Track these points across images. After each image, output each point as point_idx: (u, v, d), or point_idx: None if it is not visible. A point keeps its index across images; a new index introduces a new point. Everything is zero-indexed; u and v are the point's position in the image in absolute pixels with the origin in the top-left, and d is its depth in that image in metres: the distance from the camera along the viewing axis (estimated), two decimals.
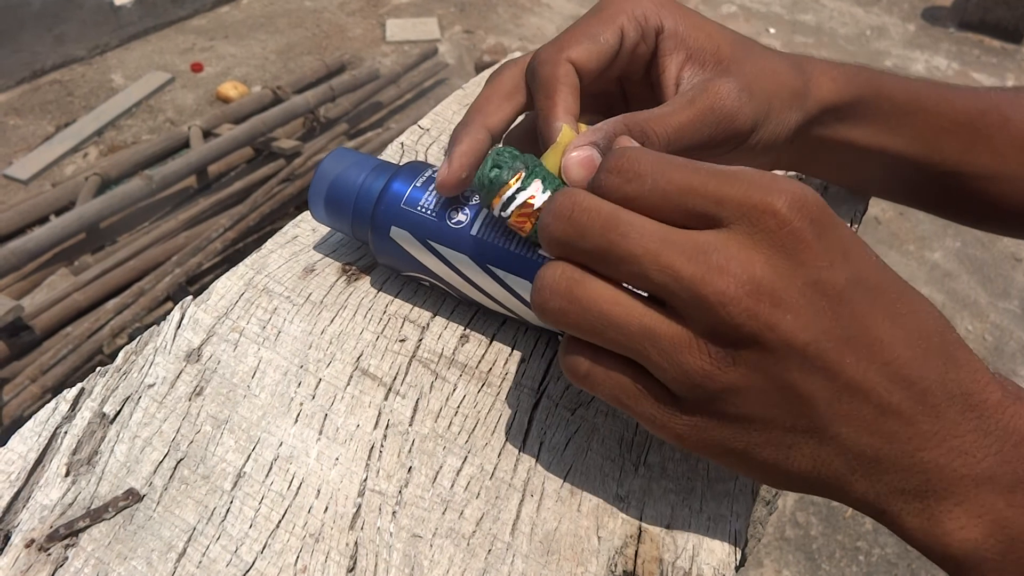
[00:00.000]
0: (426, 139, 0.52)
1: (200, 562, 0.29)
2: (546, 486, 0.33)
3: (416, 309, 0.40)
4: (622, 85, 0.40)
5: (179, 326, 0.38)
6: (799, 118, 0.38)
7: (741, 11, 4.06)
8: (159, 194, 2.33)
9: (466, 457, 0.34)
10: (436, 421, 0.35)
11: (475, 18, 3.82)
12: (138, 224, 2.32)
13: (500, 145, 0.36)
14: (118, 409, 0.34)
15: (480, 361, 0.38)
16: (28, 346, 1.86)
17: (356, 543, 0.30)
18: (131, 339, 1.82)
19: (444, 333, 0.39)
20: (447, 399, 0.36)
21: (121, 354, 0.36)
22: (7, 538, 0.30)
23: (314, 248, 0.43)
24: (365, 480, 0.32)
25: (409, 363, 0.37)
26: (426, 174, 0.38)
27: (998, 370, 0.29)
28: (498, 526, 0.31)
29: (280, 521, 0.31)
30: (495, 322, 0.40)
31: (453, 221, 0.36)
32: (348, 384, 0.36)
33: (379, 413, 0.35)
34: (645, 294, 0.27)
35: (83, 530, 0.30)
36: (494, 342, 0.39)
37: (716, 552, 0.32)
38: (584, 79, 0.34)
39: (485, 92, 0.36)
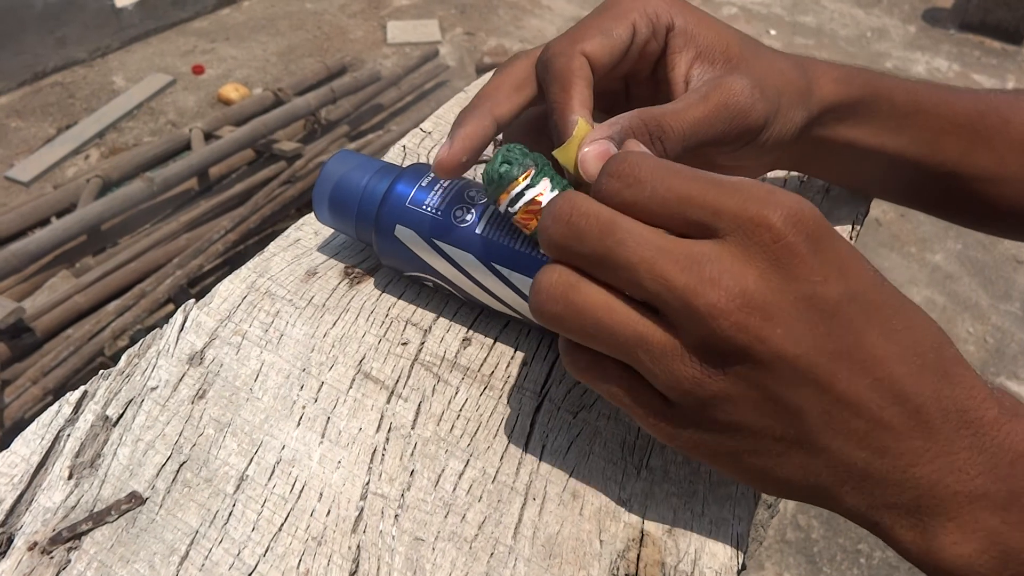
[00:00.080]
0: (428, 142, 0.52)
1: (203, 565, 0.29)
2: (548, 490, 0.33)
3: (418, 312, 0.40)
4: (627, 84, 0.40)
5: (182, 329, 0.38)
6: (804, 117, 0.38)
7: (742, 12, 4.06)
8: (160, 196, 2.33)
9: (468, 460, 0.34)
10: (438, 424, 0.35)
11: (476, 20, 3.82)
12: (139, 226, 2.32)
13: (500, 140, 0.36)
14: (121, 412, 0.34)
15: (482, 364, 0.38)
16: (29, 348, 1.86)
17: (358, 546, 0.30)
18: (132, 341, 1.82)
19: (446, 336, 0.39)
20: (449, 402, 0.36)
21: (124, 357, 0.37)
22: (10, 541, 0.30)
23: (316, 251, 0.43)
24: (367, 483, 0.32)
25: (411, 366, 0.37)
26: (431, 175, 0.38)
27: (998, 384, 0.28)
28: (500, 530, 0.31)
29: (282, 524, 0.31)
30: (497, 325, 0.40)
31: (458, 220, 0.36)
32: (350, 387, 0.36)
33: (381, 416, 0.35)
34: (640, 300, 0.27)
35: (86, 533, 0.30)
36: (496, 345, 0.39)
37: (718, 556, 0.32)
38: (596, 73, 0.34)
39: (495, 81, 0.36)
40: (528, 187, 0.32)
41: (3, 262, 1.95)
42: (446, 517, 0.32)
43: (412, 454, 0.34)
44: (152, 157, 2.48)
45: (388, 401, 0.36)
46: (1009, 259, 2.61)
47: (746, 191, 0.25)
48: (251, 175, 2.49)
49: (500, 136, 0.41)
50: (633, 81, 0.39)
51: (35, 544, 0.30)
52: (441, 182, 0.38)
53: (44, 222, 2.24)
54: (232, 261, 2.26)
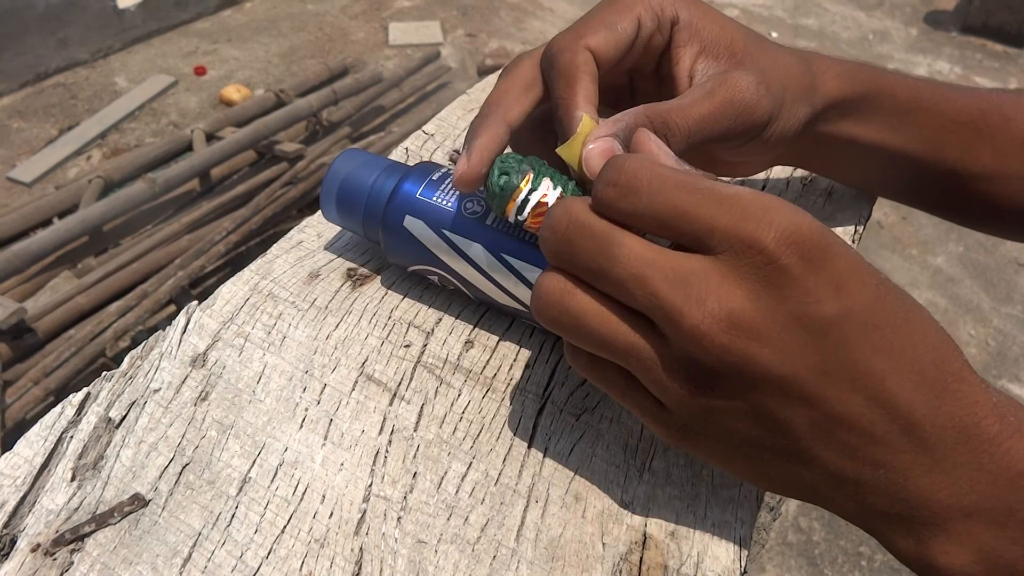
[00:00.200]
0: (431, 144, 0.52)
1: (205, 567, 0.29)
2: (551, 492, 0.33)
3: (421, 315, 0.40)
4: (631, 78, 0.40)
5: (185, 331, 0.38)
6: (808, 113, 0.38)
7: (743, 15, 4.06)
8: (162, 197, 2.33)
9: (471, 463, 0.34)
10: (441, 427, 0.35)
11: (477, 22, 3.82)
12: (141, 227, 2.32)
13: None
14: (124, 414, 0.34)
15: (485, 367, 0.38)
16: (31, 349, 1.86)
17: (361, 549, 0.30)
18: (134, 342, 1.82)
19: (449, 339, 0.39)
20: (452, 405, 0.36)
21: (127, 359, 0.37)
22: (13, 543, 0.30)
23: (319, 253, 0.43)
24: (370, 486, 0.32)
25: (414, 369, 0.37)
26: (441, 171, 0.38)
27: (1001, 388, 0.28)
28: (503, 532, 0.31)
29: (285, 526, 0.31)
30: (500, 328, 0.40)
31: (468, 211, 0.36)
32: (353, 389, 0.36)
33: (384, 419, 0.35)
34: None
35: (89, 535, 0.30)
36: (499, 347, 0.39)
37: (721, 559, 0.32)
38: (601, 68, 0.34)
39: (502, 85, 0.35)
40: (531, 191, 0.32)
41: (5, 263, 1.96)
42: (448, 519, 0.32)
43: (415, 456, 0.34)
44: (154, 158, 2.49)
45: (391, 403, 0.36)
46: (1011, 262, 2.60)
47: (742, 208, 0.25)
48: (253, 176, 2.49)
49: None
50: (638, 76, 0.39)
51: (38, 546, 0.30)
52: (451, 177, 0.38)
53: (46, 223, 2.25)
54: (234, 262, 2.26)
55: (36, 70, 3.11)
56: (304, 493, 0.32)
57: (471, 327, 0.40)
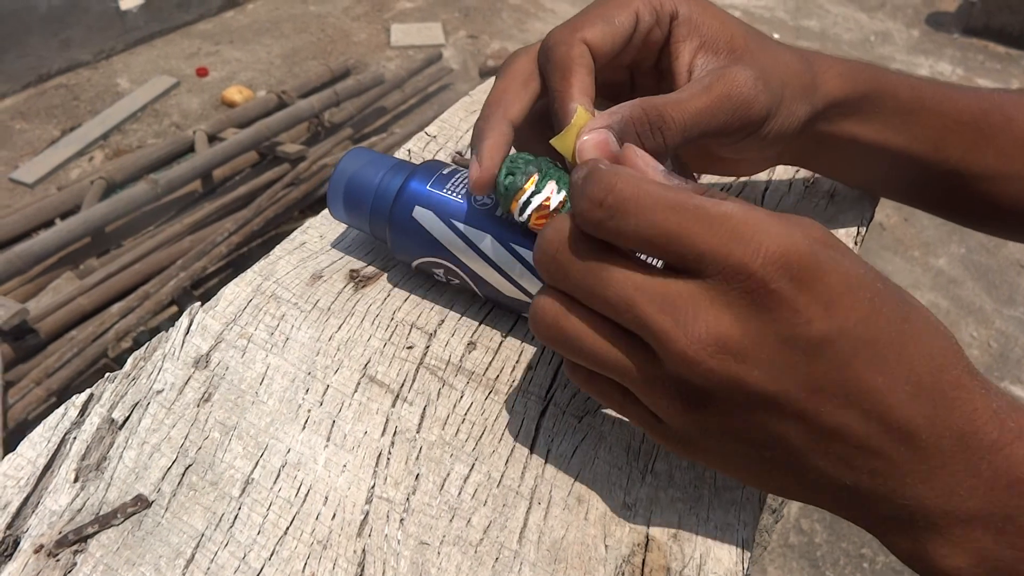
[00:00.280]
0: (433, 146, 0.52)
1: (208, 568, 0.29)
2: (553, 494, 0.33)
3: (423, 316, 0.40)
4: (631, 73, 0.40)
5: (187, 332, 0.38)
6: (808, 111, 0.38)
7: (745, 16, 4.06)
8: (164, 198, 2.34)
9: (473, 464, 0.34)
10: (443, 428, 0.35)
11: (479, 23, 3.82)
12: (143, 228, 2.32)
13: (514, 150, 0.36)
14: (127, 415, 0.34)
15: (487, 368, 0.38)
16: (33, 349, 1.86)
17: (364, 550, 0.30)
18: (136, 343, 1.82)
19: (451, 340, 0.39)
20: (454, 406, 0.36)
21: (130, 360, 0.37)
22: (16, 543, 0.30)
23: (322, 255, 0.43)
24: (373, 487, 0.33)
25: (416, 370, 0.37)
26: (450, 167, 0.39)
27: (1005, 390, 0.28)
28: (505, 534, 0.31)
29: (288, 528, 0.31)
30: (502, 329, 0.40)
31: (478, 202, 0.36)
32: (356, 391, 0.36)
33: (387, 420, 0.35)
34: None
35: (92, 536, 0.30)
36: (501, 349, 0.39)
37: (723, 561, 0.32)
38: (598, 61, 0.34)
39: (500, 83, 0.35)
40: (534, 193, 0.32)
41: (7, 264, 1.96)
42: (451, 521, 0.32)
43: (417, 458, 0.34)
44: (156, 159, 2.49)
45: (393, 405, 0.36)
46: (1013, 263, 2.60)
47: (731, 229, 0.24)
48: (255, 177, 2.49)
49: None
50: (637, 70, 0.39)
51: (41, 547, 0.30)
52: (461, 172, 0.38)
53: (48, 224, 2.25)
54: (236, 263, 2.26)
55: (38, 71, 3.11)
56: (307, 494, 0.32)
57: (473, 329, 0.40)
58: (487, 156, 0.33)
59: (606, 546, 0.32)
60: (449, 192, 0.37)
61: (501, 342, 0.39)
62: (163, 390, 0.35)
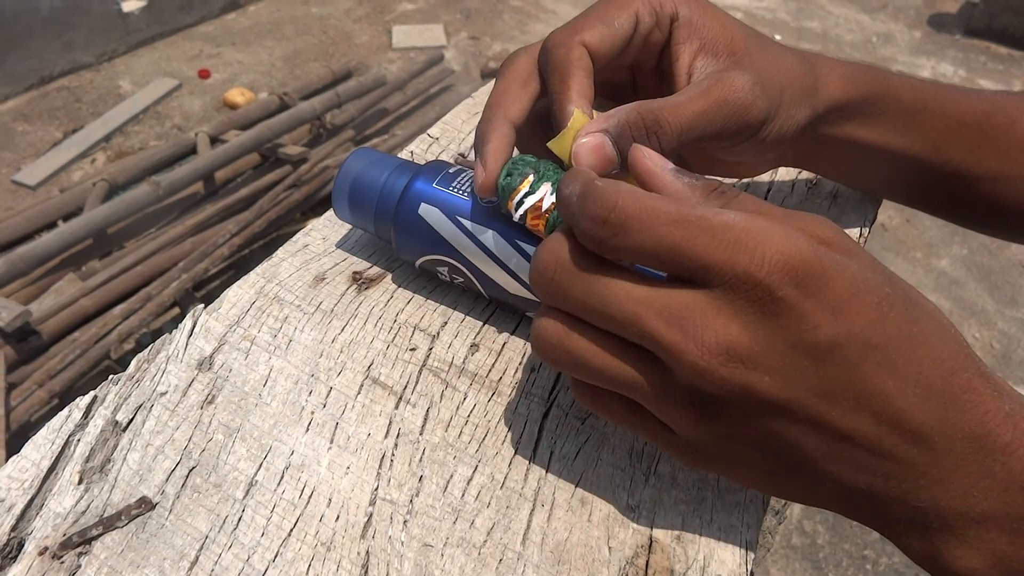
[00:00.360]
0: (435, 148, 0.52)
1: (212, 570, 0.30)
2: (557, 496, 0.33)
3: (426, 318, 0.40)
4: (633, 74, 0.40)
5: (191, 334, 0.38)
6: (807, 115, 0.38)
7: (747, 17, 4.06)
8: (166, 200, 2.34)
9: (476, 466, 0.34)
10: (447, 430, 0.35)
11: (481, 25, 3.83)
12: (145, 230, 2.32)
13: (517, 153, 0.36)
14: (131, 417, 0.34)
15: (490, 370, 0.38)
16: (36, 351, 1.86)
17: (367, 552, 0.31)
18: (138, 344, 1.82)
19: (454, 342, 0.39)
20: (457, 408, 0.36)
21: (133, 362, 0.37)
22: (20, 546, 0.30)
23: (325, 257, 0.43)
24: (376, 489, 0.33)
25: (419, 372, 0.37)
26: (455, 167, 0.39)
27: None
28: (509, 536, 0.31)
29: (292, 530, 0.31)
30: (505, 331, 0.40)
31: (484, 200, 0.36)
32: (359, 393, 0.36)
33: (390, 422, 0.35)
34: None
35: (96, 538, 0.30)
36: (504, 351, 0.39)
37: (727, 563, 0.32)
38: (597, 63, 0.34)
39: (500, 84, 0.36)
40: (528, 194, 0.32)
41: (10, 265, 1.96)
42: (455, 523, 0.32)
43: (421, 460, 0.34)
44: (158, 161, 2.49)
45: (396, 407, 0.36)
46: (1016, 265, 2.60)
47: (734, 239, 0.25)
48: (256, 179, 2.50)
49: None
50: (639, 71, 0.39)
51: (45, 549, 0.30)
52: (466, 172, 0.38)
53: (51, 226, 2.25)
54: (237, 265, 2.26)
55: (40, 73, 3.12)
56: (310, 496, 0.32)
57: (476, 331, 0.40)
58: (491, 159, 0.33)
59: (609, 548, 0.32)
60: (455, 190, 0.37)
61: (504, 344, 0.39)
62: (167, 392, 0.35)
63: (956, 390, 0.26)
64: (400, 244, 0.39)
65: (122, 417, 0.34)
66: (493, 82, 0.43)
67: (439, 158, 0.51)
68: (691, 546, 0.32)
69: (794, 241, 0.25)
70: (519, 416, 0.36)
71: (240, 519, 0.31)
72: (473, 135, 0.54)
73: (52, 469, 0.32)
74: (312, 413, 0.35)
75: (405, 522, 0.32)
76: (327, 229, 0.45)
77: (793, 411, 0.25)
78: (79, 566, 0.29)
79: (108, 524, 0.30)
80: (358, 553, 0.30)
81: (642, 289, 0.26)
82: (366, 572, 0.30)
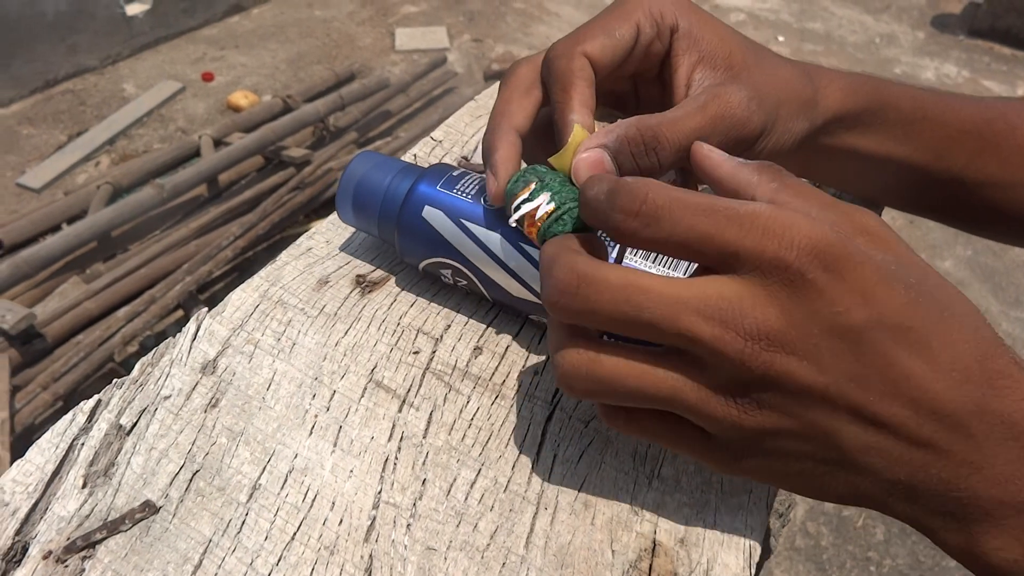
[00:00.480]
0: (439, 150, 0.53)
1: (216, 574, 0.30)
2: (560, 499, 0.33)
3: (430, 321, 0.40)
4: (635, 84, 0.40)
5: (195, 338, 0.38)
6: (806, 128, 0.38)
7: (750, 19, 4.06)
8: (170, 203, 2.35)
9: (480, 470, 0.34)
10: (450, 433, 0.35)
11: (484, 27, 3.83)
12: (149, 232, 2.33)
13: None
14: (134, 421, 0.34)
15: (494, 373, 0.38)
16: (40, 354, 1.87)
17: (371, 556, 0.31)
18: (142, 347, 1.82)
19: (458, 345, 0.39)
20: (461, 411, 0.36)
21: (137, 366, 0.37)
22: (25, 550, 0.30)
23: (328, 260, 0.43)
24: (379, 492, 0.33)
25: (423, 375, 0.37)
26: (460, 170, 0.39)
27: None
28: (512, 539, 0.31)
29: (295, 533, 0.31)
30: (509, 334, 0.40)
31: (489, 203, 0.37)
32: (362, 396, 0.36)
33: (393, 425, 0.35)
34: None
35: (100, 542, 0.30)
36: (507, 354, 0.39)
37: (730, 566, 0.31)
38: (599, 74, 0.35)
39: (504, 94, 0.36)
40: (525, 201, 0.33)
41: (14, 268, 1.97)
42: (458, 526, 0.32)
43: (424, 463, 0.34)
44: (162, 164, 2.50)
45: (400, 410, 0.36)
46: (1020, 265, 2.59)
47: (763, 226, 0.25)
48: (260, 181, 2.50)
49: None
50: (641, 81, 0.40)
51: (50, 553, 0.30)
52: (470, 175, 0.39)
53: (55, 228, 2.26)
54: (241, 267, 2.26)
55: (45, 77, 3.13)
56: (314, 500, 0.32)
57: (480, 334, 0.40)
58: (501, 168, 0.34)
59: (613, 551, 0.32)
60: (459, 193, 0.38)
61: (507, 347, 0.39)
62: (171, 396, 0.36)
63: (992, 374, 0.26)
64: (404, 247, 0.40)
65: (126, 421, 0.34)
66: (496, 85, 0.43)
67: (442, 161, 0.51)
68: (695, 549, 0.32)
69: (819, 227, 0.25)
70: (522, 419, 0.36)
71: (244, 523, 0.31)
72: (476, 138, 0.54)
73: (56, 473, 0.32)
74: (315, 416, 0.35)
75: (408, 526, 0.32)
76: (330, 232, 0.45)
77: (830, 398, 0.25)
78: (83, 570, 0.29)
79: (112, 528, 0.31)
80: (361, 557, 0.30)
81: (673, 289, 0.26)
82: None
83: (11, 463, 0.32)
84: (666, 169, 0.33)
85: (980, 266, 2.58)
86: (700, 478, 0.34)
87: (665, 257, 0.35)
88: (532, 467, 0.34)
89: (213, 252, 2.17)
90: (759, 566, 0.33)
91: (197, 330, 0.39)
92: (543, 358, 0.39)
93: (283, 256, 0.43)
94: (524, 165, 0.35)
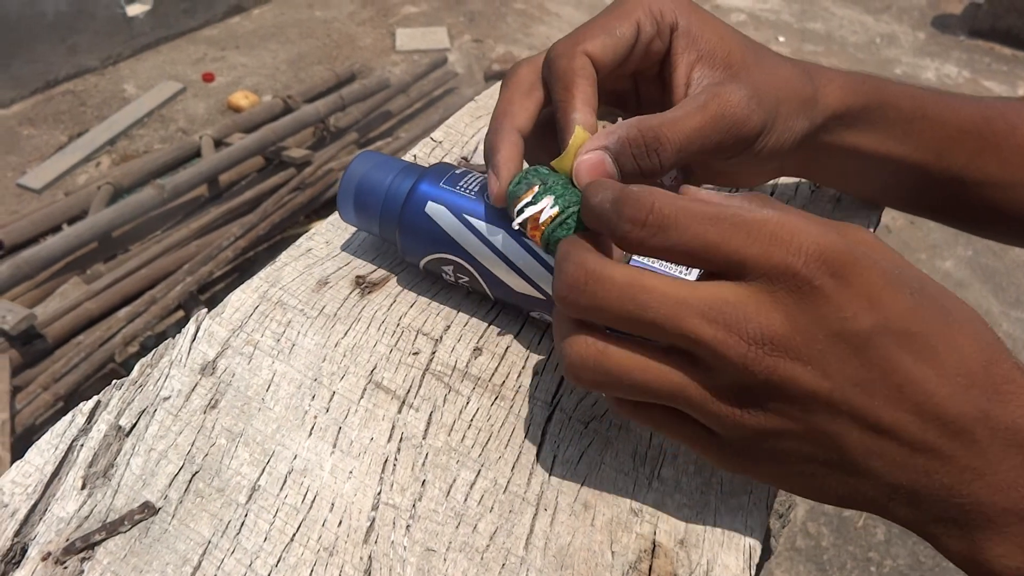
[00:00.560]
0: (439, 151, 0.52)
1: (215, 575, 0.30)
2: (560, 500, 0.33)
3: (429, 322, 0.40)
4: (636, 82, 0.40)
5: (194, 339, 0.38)
6: (805, 126, 0.38)
7: (751, 19, 4.06)
8: (171, 203, 2.34)
9: (479, 471, 0.34)
10: (450, 434, 0.35)
11: (484, 27, 3.83)
12: (150, 233, 2.33)
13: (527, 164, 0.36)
14: (134, 422, 0.34)
15: (493, 374, 0.38)
16: (41, 354, 1.87)
17: (370, 557, 0.30)
18: (143, 348, 1.82)
19: (457, 346, 0.39)
20: (460, 412, 0.36)
21: (137, 367, 0.37)
22: (24, 551, 0.30)
23: (328, 261, 0.43)
24: (379, 494, 0.33)
25: (422, 376, 0.37)
26: (461, 169, 0.39)
27: None
28: (512, 540, 0.31)
29: (294, 535, 0.31)
30: (508, 335, 0.40)
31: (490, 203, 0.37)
32: (362, 397, 0.36)
33: (393, 426, 0.35)
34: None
35: (99, 543, 0.30)
36: (507, 355, 0.39)
37: (731, 567, 0.31)
38: (600, 72, 0.35)
39: (505, 94, 0.36)
40: (528, 204, 0.33)
41: (15, 269, 1.97)
42: (457, 528, 0.32)
43: (423, 464, 0.34)
44: (162, 164, 2.50)
45: (399, 411, 0.36)
46: (1020, 265, 2.59)
47: (769, 233, 0.25)
48: (261, 182, 2.50)
49: None
50: (642, 80, 0.40)
51: (48, 554, 0.30)
52: (472, 173, 0.39)
53: (56, 229, 2.26)
54: (242, 267, 2.26)
55: (46, 77, 3.13)
56: (313, 501, 0.32)
57: (480, 334, 0.40)
58: (503, 168, 0.34)
59: (612, 552, 0.32)
60: (462, 190, 0.38)
61: (507, 347, 0.39)
62: (170, 397, 0.35)
63: (997, 380, 0.26)
64: (405, 244, 0.39)
65: (125, 422, 0.34)
66: (497, 85, 0.43)
67: (443, 161, 0.51)
68: (694, 550, 0.32)
69: (827, 234, 0.25)
70: (522, 420, 0.36)
71: (243, 524, 0.31)
72: (476, 138, 0.54)
73: (56, 474, 0.32)
74: (315, 418, 0.35)
75: (408, 527, 0.32)
76: (330, 233, 0.45)
77: (835, 403, 0.25)
78: (82, 571, 0.29)
79: (111, 529, 0.31)
80: (361, 558, 0.30)
81: (678, 290, 0.26)
82: None
83: (12, 464, 0.32)
84: (667, 169, 0.33)
85: (981, 266, 2.58)
86: (700, 479, 0.34)
87: None
88: (532, 468, 0.34)
89: (214, 253, 2.17)
90: (759, 567, 0.33)
91: (196, 331, 0.39)
92: (543, 359, 0.39)
93: (282, 257, 0.43)
94: (526, 166, 0.35)
